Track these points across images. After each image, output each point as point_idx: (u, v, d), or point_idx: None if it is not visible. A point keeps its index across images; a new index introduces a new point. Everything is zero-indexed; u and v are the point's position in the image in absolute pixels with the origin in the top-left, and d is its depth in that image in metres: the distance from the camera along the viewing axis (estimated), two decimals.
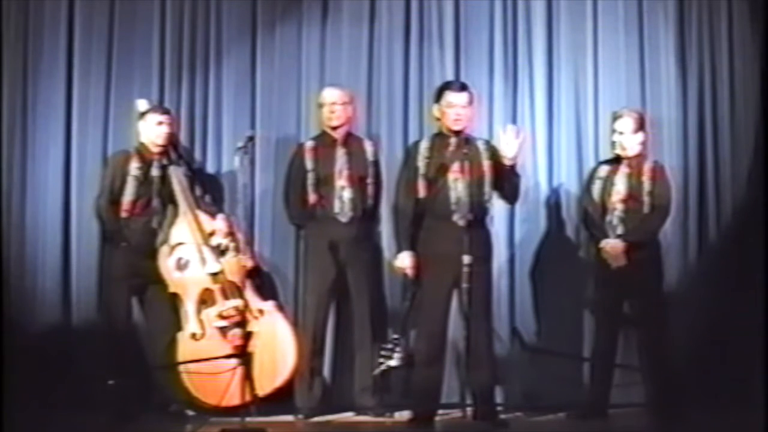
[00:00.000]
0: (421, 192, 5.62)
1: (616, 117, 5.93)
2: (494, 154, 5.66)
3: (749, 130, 6.29)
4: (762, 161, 6.17)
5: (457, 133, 5.64)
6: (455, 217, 5.54)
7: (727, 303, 6.08)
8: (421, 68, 6.45)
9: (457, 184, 5.56)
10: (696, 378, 5.90)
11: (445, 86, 5.76)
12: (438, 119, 5.71)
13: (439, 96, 5.70)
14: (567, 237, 6.34)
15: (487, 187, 5.65)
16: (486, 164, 5.65)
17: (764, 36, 6.25)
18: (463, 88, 5.72)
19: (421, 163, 5.65)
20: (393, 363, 5.64)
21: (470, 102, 5.69)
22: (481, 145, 5.72)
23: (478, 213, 5.59)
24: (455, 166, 5.58)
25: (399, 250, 5.67)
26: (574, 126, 6.43)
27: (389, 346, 5.65)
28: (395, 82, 6.46)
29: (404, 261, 5.64)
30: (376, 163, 6.13)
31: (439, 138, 5.71)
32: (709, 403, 5.75)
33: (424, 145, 5.71)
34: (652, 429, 5.76)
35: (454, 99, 5.64)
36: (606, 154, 6.08)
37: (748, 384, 5.80)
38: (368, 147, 6.15)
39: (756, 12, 6.29)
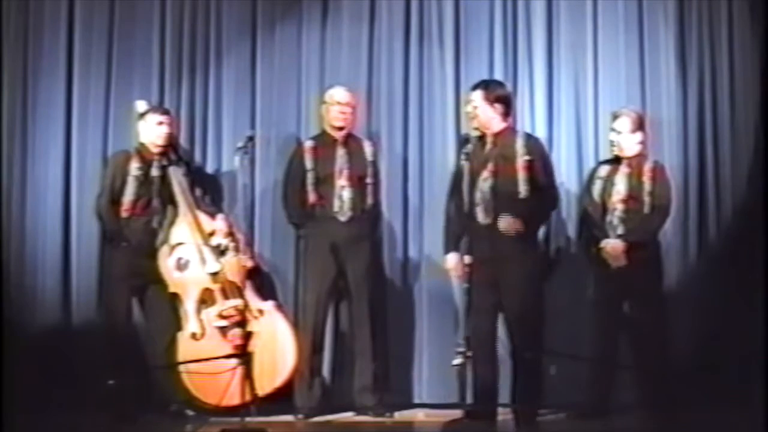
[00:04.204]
0: (465, 193, 5.53)
1: (614, 117, 5.94)
2: (530, 151, 5.57)
3: (749, 130, 6.28)
4: (762, 161, 6.16)
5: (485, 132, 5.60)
6: (488, 217, 5.48)
7: (727, 303, 6.08)
8: (421, 68, 6.45)
9: (485, 184, 5.50)
10: (696, 378, 5.89)
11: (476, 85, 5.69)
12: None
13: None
14: (567, 237, 6.34)
15: (521, 186, 5.54)
16: (520, 162, 5.55)
17: (764, 36, 6.24)
18: (482, 85, 5.64)
19: (463, 164, 5.56)
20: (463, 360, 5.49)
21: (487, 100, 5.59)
22: (518, 141, 5.61)
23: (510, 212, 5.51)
24: (490, 165, 5.54)
25: (447, 251, 5.69)
26: (574, 126, 6.42)
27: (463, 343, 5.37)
28: (395, 82, 6.45)
29: (451, 262, 5.65)
30: (375, 163, 6.15)
31: (477, 139, 5.65)
32: (709, 403, 5.74)
33: (468, 148, 5.61)
34: (651, 429, 5.76)
35: (470, 96, 5.62)
36: (606, 154, 6.08)
37: (748, 384, 5.80)
38: (367, 147, 6.15)
39: (756, 12, 6.29)
